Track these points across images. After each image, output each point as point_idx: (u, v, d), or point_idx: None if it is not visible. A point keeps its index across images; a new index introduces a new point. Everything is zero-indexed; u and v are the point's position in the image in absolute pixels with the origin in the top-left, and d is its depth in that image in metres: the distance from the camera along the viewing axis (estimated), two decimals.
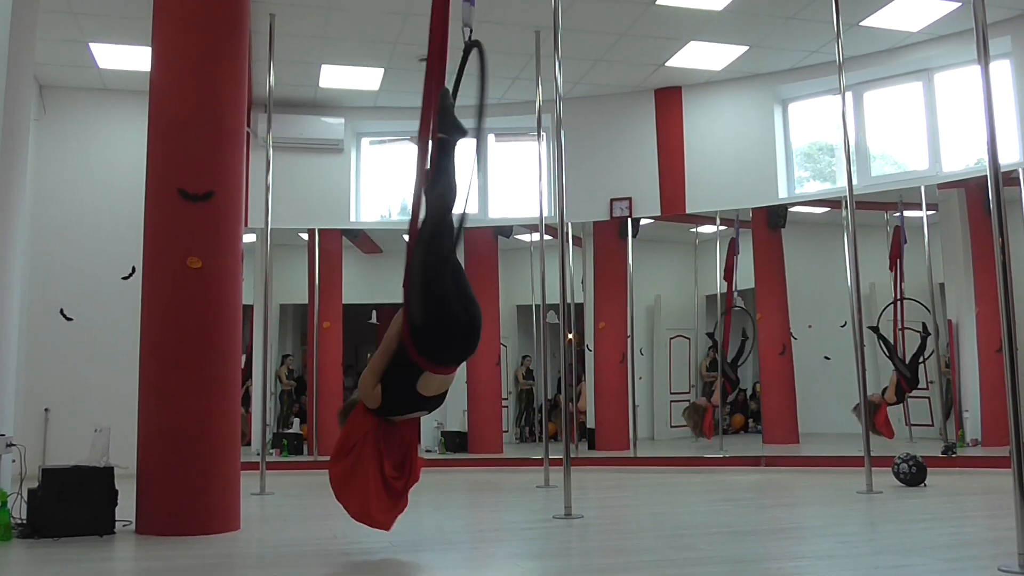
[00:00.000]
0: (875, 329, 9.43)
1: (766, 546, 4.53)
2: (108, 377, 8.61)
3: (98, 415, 6.44)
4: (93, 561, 4.26)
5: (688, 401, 10.60)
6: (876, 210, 9.60)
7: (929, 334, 9.17)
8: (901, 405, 9.37)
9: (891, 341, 9.45)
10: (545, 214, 7.90)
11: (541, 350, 7.81)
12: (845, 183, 7.30)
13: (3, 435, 4.98)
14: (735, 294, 10.38)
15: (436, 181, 4.10)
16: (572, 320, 10.22)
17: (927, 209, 9.17)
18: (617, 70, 9.48)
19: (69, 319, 9.13)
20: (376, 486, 4.07)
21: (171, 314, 4.99)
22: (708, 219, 10.36)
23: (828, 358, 10.20)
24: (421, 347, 3.90)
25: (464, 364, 4.31)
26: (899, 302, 9.47)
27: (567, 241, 9.66)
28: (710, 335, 10.75)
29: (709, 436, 9.85)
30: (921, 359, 9.19)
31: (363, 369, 4.15)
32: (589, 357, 10.44)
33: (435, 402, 4.16)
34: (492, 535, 4.72)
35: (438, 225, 4.02)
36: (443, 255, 3.98)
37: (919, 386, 9.25)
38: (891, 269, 9.59)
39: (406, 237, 4.18)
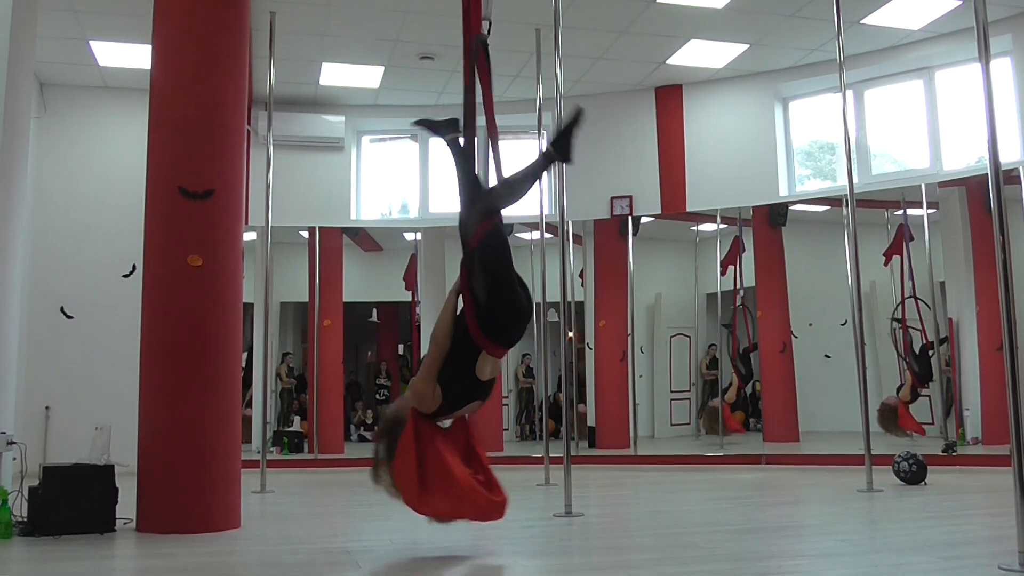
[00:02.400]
0: (899, 321, 9.42)
1: (766, 544, 4.54)
2: (109, 375, 8.61)
3: (99, 413, 6.43)
4: (93, 559, 4.26)
5: (694, 402, 10.60)
6: (877, 208, 9.60)
7: (945, 338, 9.18)
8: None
9: (904, 337, 9.45)
10: (546, 212, 7.90)
11: (541, 348, 7.81)
12: (846, 181, 7.29)
13: (4, 433, 4.98)
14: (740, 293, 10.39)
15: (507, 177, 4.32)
16: (572, 318, 10.22)
17: (928, 207, 9.17)
18: (618, 68, 9.48)
19: (70, 317, 9.13)
20: (463, 480, 4.04)
21: (172, 312, 4.99)
22: (709, 217, 10.36)
23: (828, 356, 10.21)
24: (485, 325, 3.99)
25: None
26: (914, 299, 9.45)
27: (567, 239, 9.66)
28: (727, 326, 10.78)
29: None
30: (931, 352, 9.21)
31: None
32: (589, 355, 10.44)
33: (489, 387, 4.20)
34: (492, 533, 4.72)
35: (498, 210, 4.18)
36: (504, 238, 4.14)
37: (931, 380, 9.26)
38: (885, 265, 9.59)
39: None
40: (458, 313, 4.15)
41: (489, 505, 4.03)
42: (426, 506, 4.02)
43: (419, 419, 4.10)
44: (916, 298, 9.45)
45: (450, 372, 4.08)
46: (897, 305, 9.58)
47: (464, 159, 4.35)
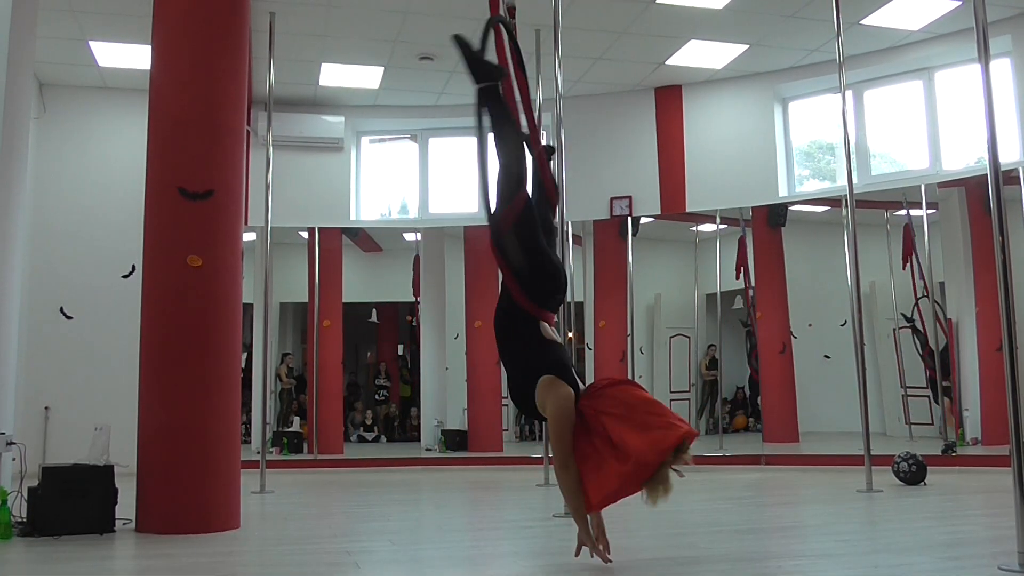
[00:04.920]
0: (909, 319, 9.44)
1: (766, 544, 4.54)
2: (108, 375, 8.61)
3: (98, 413, 6.43)
4: (93, 559, 4.26)
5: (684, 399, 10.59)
6: (876, 209, 9.60)
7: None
8: (903, 402, 9.39)
9: (924, 335, 9.43)
10: None
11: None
12: (845, 182, 7.29)
13: (3, 433, 4.98)
14: (743, 294, 10.39)
15: (501, 138, 4.02)
16: (572, 319, 10.22)
17: (927, 208, 9.17)
18: (617, 68, 9.48)
19: (69, 317, 9.13)
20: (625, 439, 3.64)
21: (171, 312, 4.99)
22: (708, 218, 10.36)
23: (828, 357, 10.20)
24: (533, 294, 3.95)
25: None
26: (928, 298, 9.44)
27: (567, 240, 9.65)
28: (744, 323, 10.82)
29: None
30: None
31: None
32: (589, 355, 10.44)
33: (559, 347, 4.00)
34: (492, 533, 4.72)
35: (521, 182, 4.01)
36: (532, 209, 4.02)
37: (909, 383, 9.29)
38: (904, 268, 9.57)
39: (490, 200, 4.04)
40: (500, 301, 4.04)
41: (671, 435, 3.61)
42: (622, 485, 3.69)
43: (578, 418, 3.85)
44: (929, 297, 9.42)
45: (526, 348, 3.95)
46: (914, 306, 9.55)
47: (506, 116, 4.04)
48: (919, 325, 9.46)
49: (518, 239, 3.96)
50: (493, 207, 3.98)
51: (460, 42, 4.07)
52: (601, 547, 3.86)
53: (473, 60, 4.04)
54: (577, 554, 3.88)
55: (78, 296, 9.13)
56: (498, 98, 4.03)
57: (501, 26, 4.23)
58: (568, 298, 9.04)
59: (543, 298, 3.99)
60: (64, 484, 4.79)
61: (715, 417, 10.59)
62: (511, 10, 4.56)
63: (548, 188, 4.28)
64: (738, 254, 10.31)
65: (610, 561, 3.84)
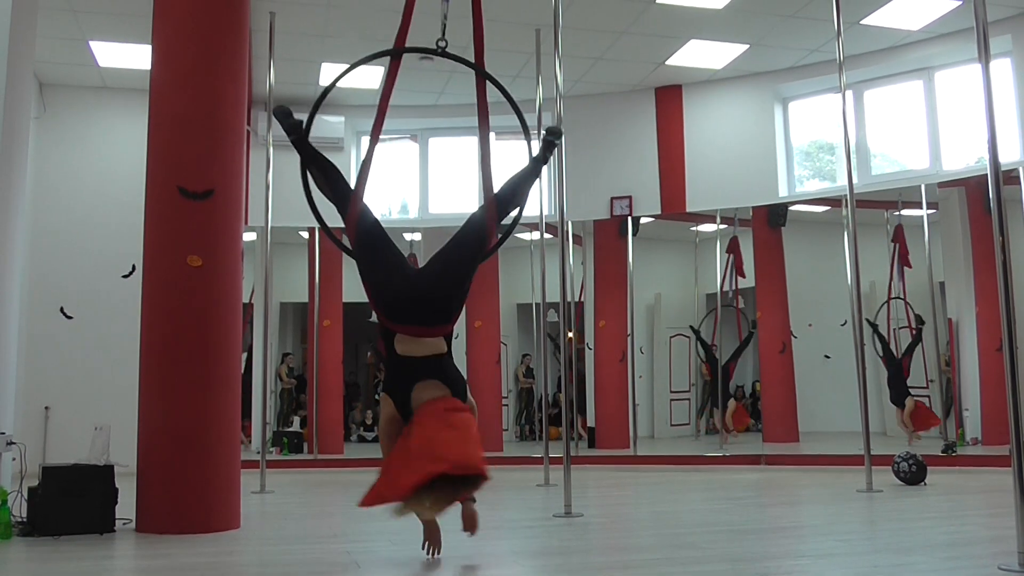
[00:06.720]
0: (872, 324, 9.49)
1: (766, 545, 4.53)
2: (108, 375, 8.61)
3: (98, 413, 6.44)
4: (93, 559, 4.26)
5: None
6: (876, 209, 9.60)
7: (924, 323, 9.26)
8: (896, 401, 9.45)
9: (885, 338, 9.52)
10: (545, 212, 7.90)
11: (541, 349, 7.81)
12: (845, 182, 7.29)
13: (3, 433, 4.97)
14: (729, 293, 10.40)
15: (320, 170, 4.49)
16: (572, 319, 10.22)
17: (927, 208, 9.17)
18: (617, 68, 9.48)
19: (69, 317, 9.13)
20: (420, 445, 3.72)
21: (171, 312, 4.99)
22: (708, 218, 10.36)
23: (828, 357, 10.21)
24: (378, 305, 4.09)
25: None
26: (898, 300, 9.52)
27: (567, 240, 9.66)
28: (752, 321, 10.85)
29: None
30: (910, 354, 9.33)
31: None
32: (589, 355, 10.44)
33: (420, 365, 4.00)
34: (492, 533, 4.72)
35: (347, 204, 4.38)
36: (373, 226, 4.29)
37: (910, 383, 9.34)
38: (909, 268, 9.60)
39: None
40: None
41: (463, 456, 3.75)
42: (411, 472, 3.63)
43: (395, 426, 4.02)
44: (903, 299, 9.54)
45: (384, 357, 4.17)
46: (878, 309, 9.64)
47: (314, 157, 4.46)
48: (882, 330, 9.52)
49: (357, 254, 4.20)
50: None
51: (276, 114, 4.52)
52: (433, 546, 4.06)
53: (284, 122, 4.49)
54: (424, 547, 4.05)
55: (78, 296, 9.13)
56: (306, 147, 4.47)
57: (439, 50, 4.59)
58: (568, 298, 9.10)
59: (389, 313, 4.04)
60: (64, 484, 4.78)
61: (714, 417, 10.58)
62: (475, 25, 4.71)
63: (489, 228, 4.37)
64: (735, 264, 10.32)
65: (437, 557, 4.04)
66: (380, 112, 4.48)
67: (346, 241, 4.45)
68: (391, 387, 4.03)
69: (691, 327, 10.77)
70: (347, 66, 4.49)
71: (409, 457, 3.64)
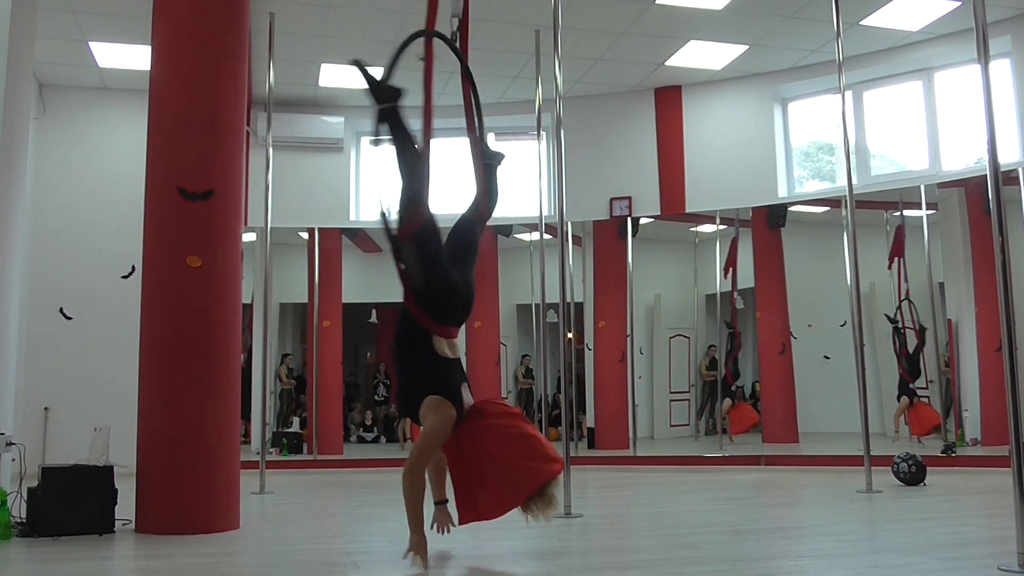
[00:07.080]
0: (892, 320, 9.49)
1: (766, 545, 4.53)
2: (108, 376, 8.62)
3: (98, 414, 6.43)
4: (93, 560, 4.26)
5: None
6: (876, 209, 9.60)
7: (926, 328, 9.26)
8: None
9: (903, 336, 9.50)
10: (545, 213, 7.89)
11: (541, 349, 7.81)
12: (845, 182, 7.30)
13: (3, 434, 4.97)
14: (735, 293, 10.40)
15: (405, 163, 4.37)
16: (572, 319, 10.22)
17: (927, 208, 9.17)
18: (617, 69, 9.48)
19: (69, 318, 9.13)
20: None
21: (171, 313, 4.99)
22: (708, 218, 10.37)
23: (828, 357, 10.21)
24: (427, 307, 4.03)
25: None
26: (904, 301, 9.51)
27: (567, 240, 9.66)
28: (728, 325, 10.86)
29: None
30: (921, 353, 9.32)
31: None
32: (589, 356, 10.44)
33: (456, 367, 4.11)
34: (492, 533, 4.72)
35: (416, 203, 4.26)
36: (433, 228, 4.20)
37: (918, 380, 9.33)
38: (889, 268, 9.61)
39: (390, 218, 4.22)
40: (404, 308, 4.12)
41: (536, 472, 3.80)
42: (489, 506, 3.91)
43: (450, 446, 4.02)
44: (908, 299, 9.52)
45: (417, 361, 4.05)
46: (896, 308, 9.61)
47: (405, 136, 4.35)
48: (900, 327, 9.53)
49: (416, 254, 4.07)
50: (393, 221, 4.13)
51: (359, 67, 4.35)
52: (421, 557, 3.90)
53: (372, 83, 4.29)
54: (405, 557, 3.90)
55: (78, 296, 9.13)
56: (397, 119, 4.31)
57: (439, 39, 4.54)
58: (568, 298, 9.11)
59: (439, 314, 4.04)
60: (64, 484, 4.79)
61: (714, 418, 10.59)
62: (462, 26, 4.73)
63: (480, 203, 4.47)
64: (728, 255, 10.32)
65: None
66: (427, 99, 4.51)
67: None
68: (445, 390, 3.97)
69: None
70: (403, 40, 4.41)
71: (511, 464, 3.78)
